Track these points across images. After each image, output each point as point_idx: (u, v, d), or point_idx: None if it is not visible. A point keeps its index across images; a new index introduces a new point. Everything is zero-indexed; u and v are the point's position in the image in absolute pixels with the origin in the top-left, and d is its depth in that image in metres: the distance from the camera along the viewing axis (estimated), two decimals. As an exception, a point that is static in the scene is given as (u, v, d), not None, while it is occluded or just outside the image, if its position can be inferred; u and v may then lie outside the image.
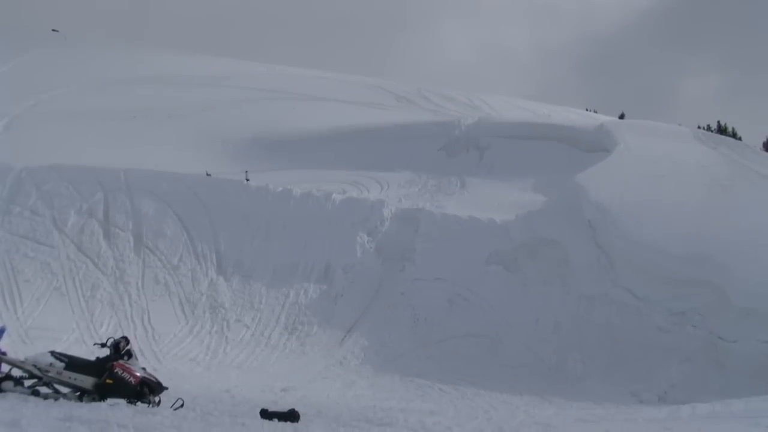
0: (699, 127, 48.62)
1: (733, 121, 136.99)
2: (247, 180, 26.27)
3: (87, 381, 9.91)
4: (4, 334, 10.03)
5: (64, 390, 9.96)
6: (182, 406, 10.19)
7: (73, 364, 9.98)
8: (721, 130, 54.37)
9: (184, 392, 11.16)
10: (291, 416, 10.08)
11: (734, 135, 51.07)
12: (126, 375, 9.99)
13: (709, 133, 39.96)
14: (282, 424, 9.62)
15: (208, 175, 26.33)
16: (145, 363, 12.98)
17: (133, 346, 10.72)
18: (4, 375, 9.74)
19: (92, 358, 10.37)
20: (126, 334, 13.13)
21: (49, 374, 9.79)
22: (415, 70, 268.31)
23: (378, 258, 21.65)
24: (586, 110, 65.63)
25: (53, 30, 61.89)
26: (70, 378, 9.86)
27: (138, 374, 10.12)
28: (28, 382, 9.81)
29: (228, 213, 22.30)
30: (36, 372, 9.77)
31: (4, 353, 9.72)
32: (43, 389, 9.81)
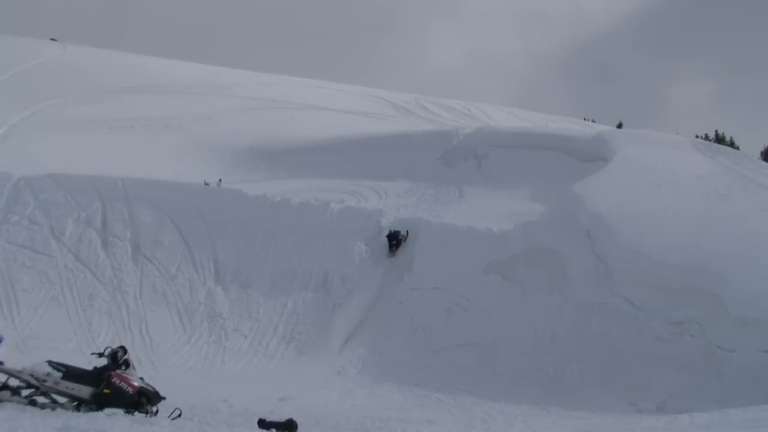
0: (697, 136, 48.80)
1: (730, 129, 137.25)
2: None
3: (84, 391, 9.89)
4: (2, 344, 10.03)
5: (62, 400, 9.92)
6: (180, 415, 10.18)
7: (71, 373, 9.96)
8: (719, 139, 54.48)
9: (181, 402, 11.12)
10: (289, 426, 10.06)
11: (732, 144, 51.14)
12: (123, 385, 9.97)
13: (707, 142, 40.03)
14: (280, 434, 9.61)
15: (206, 184, 26.37)
16: (142, 372, 12.97)
17: (131, 355, 10.70)
18: (1, 385, 9.71)
19: (90, 367, 10.34)
20: (124, 344, 13.11)
21: (47, 384, 9.76)
22: (405, 76, 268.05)
23: (376, 267, 21.63)
24: (584, 119, 65.99)
25: (51, 39, 61.98)
26: (67, 388, 9.84)
27: (135, 384, 10.10)
28: (25, 392, 9.78)
29: (226, 222, 22.32)
30: (33, 382, 9.74)
31: (1, 363, 9.70)
32: (41, 399, 9.78)
